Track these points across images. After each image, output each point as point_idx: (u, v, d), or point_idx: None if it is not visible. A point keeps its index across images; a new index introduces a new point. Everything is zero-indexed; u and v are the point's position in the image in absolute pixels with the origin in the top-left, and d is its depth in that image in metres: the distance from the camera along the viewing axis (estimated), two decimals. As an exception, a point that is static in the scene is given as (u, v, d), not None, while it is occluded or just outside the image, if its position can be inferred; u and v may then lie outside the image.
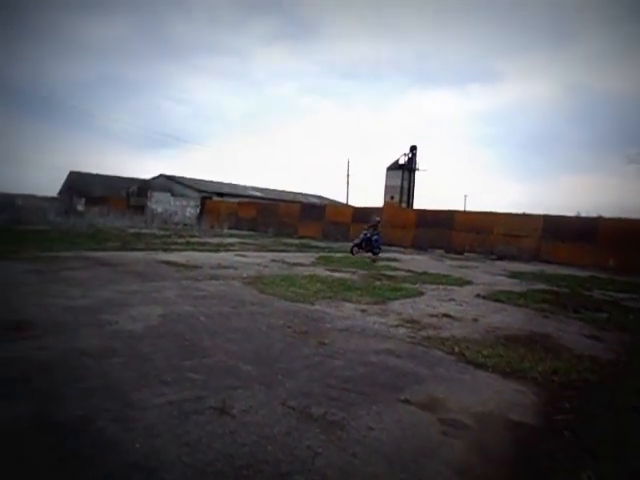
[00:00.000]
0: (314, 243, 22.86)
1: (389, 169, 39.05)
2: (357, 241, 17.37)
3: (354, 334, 5.45)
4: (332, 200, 52.92)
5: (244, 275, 9.52)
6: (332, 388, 3.71)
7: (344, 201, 51.30)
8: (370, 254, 17.01)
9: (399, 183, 37.53)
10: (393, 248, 22.26)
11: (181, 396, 3.34)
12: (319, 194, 57.57)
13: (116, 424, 2.87)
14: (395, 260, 16.09)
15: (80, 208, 36.14)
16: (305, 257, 14.85)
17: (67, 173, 51.26)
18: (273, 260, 13.07)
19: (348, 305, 7.12)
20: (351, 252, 16.84)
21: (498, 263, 18.32)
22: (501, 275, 13.59)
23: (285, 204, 34.99)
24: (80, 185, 47.72)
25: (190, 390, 3.46)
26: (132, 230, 22.28)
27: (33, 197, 35.22)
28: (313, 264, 12.85)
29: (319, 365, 4.26)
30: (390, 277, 10.81)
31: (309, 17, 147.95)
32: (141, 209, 36.83)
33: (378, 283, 9.60)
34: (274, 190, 51.01)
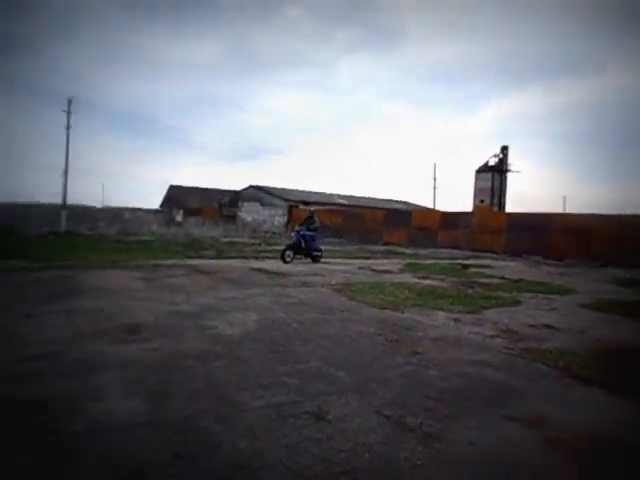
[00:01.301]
0: (400, 250, 22.54)
1: (478, 171, 37.49)
2: (290, 242, 14.01)
3: (448, 344, 5.27)
4: (418, 206, 51.90)
5: (332, 282, 9.63)
6: (427, 399, 3.62)
7: (431, 206, 50.08)
8: (309, 259, 13.89)
9: (489, 185, 35.87)
10: (485, 254, 21.28)
11: (278, 400, 3.45)
12: (404, 200, 56.78)
13: (220, 424, 3.03)
14: (487, 267, 15.30)
15: (179, 219, 38.97)
16: (392, 264, 14.68)
17: (167, 187, 55.51)
18: (360, 267, 13.09)
19: (440, 313, 6.91)
20: (282, 259, 13.08)
21: (604, 270, 16.73)
22: (608, 283, 12.39)
23: (370, 210, 34.95)
24: (178, 197, 51.48)
25: (286, 394, 3.56)
26: (225, 239, 23.55)
27: (139, 210, 38.52)
28: (401, 271, 12.66)
29: (413, 375, 4.18)
30: (483, 285, 10.34)
31: (389, 23, 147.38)
32: (232, 219, 38.85)
33: (470, 291, 9.22)
34: (359, 197, 51.17)
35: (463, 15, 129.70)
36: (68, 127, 26.64)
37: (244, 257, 14.30)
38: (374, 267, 13.27)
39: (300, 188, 47.93)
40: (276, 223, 37.76)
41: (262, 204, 40.57)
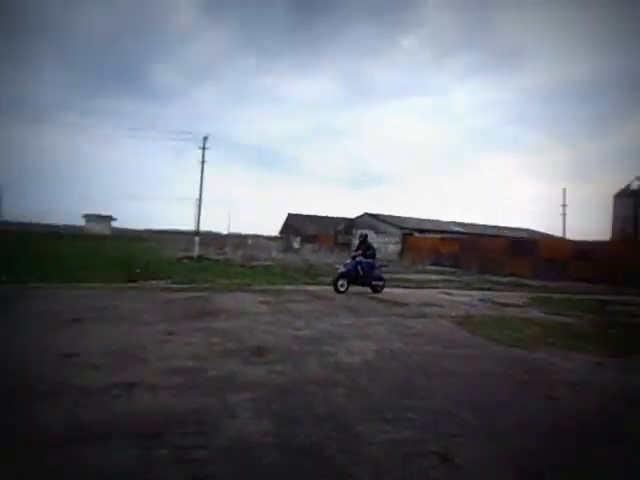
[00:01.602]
0: (524, 282, 20.89)
1: (617, 197, 33.59)
2: (343, 269, 12.39)
3: (587, 392, 4.73)
4: (543, 234, 47.97)
5: (452, 314, 9.25)
6: (569, 454, 3.27)
7: (559, 234, 45.96)
8: (368, 289, 12.27)
9: (631, 213, 31.88)
10: (630, 290, 18.81)
11: (402, 436, 3.37)
12: (527, 227, 52.92)
13: (345, 455, 3.04)
14: (632, 304, 13.48)
15: (296, 245, 40.73)
16: (516, 297, 13.67)
17: (286, 214, 58.48)
18: (481, 300, 12.40)
19: (577, 356, 6.24)
20: (335, 288, 11.80)
21: None
22: None
23: (489, 239, 33.14)
24: (296, 225, 53.92)
25: (411, 431, 3.47)
26: (338, 266, 23.96)
27: (260, 237, 41.07)
28: (527, 305, 11.73)
29: (550, 424, 3.81)
30: (629, 325, 9.13)
31: (506, 45, 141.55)
32: (347, 246, 39.50)
33: (612, 331, 8.21)
34: (476, 225, 48.87)
35: (588, 29, 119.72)
36: (203, 161, 29.54)
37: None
38: (496, 299, 12.48)
39: (415, 216, 47.32)
40: (390, 251, 37.53)
41: (376, 232, 40.73)
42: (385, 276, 18.38)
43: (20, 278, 11.00)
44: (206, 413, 3.57)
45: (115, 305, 8.10)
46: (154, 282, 11.97)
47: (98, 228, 59.07)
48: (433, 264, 30.27)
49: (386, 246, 38.32)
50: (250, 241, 40.38)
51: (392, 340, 6.55)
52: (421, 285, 15.54)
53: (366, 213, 46.93)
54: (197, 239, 26.23)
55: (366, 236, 13.44)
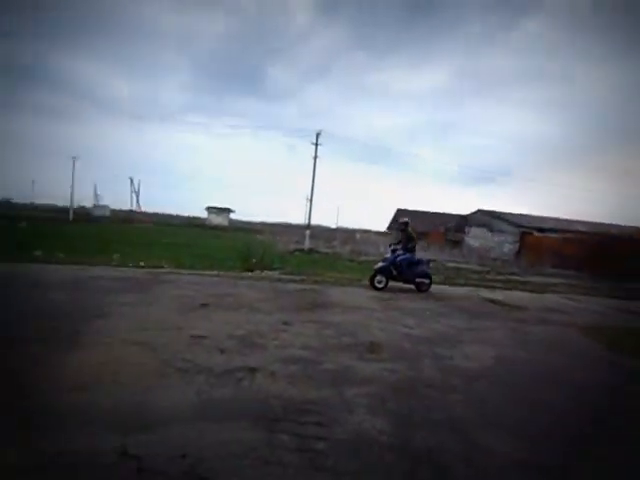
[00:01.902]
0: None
1: None
2: (381, 264, 11.15)
3: None
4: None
5: (579, 322, 8.41)
6: None
7: None
8: (412, 286, 10.88)
9: None
10: None
11: (528, 455, 3.14)
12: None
13: (465, 466, 2.91)
14: None
15: (404, 242, 40.00)
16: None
17: (394, 210, 57.80)
18: (617, 309, 11.10)
19: None
20: (372, 284, 10.78)
21: None
22: None
23: (628, 240, 29.49)
24: (404, 221, 53.02)
25: (537, 452, 3.21)
26: (450, 264, 23.07)
27: (369, 232, 41.10)
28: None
29: None
30: None
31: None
32: (458, 244, 37.95)
33: None
34: (607, 224, 43.83)
35: None
36: (315, 157, 30.34)
37: (473, 285, 13.73)
38: (636, 309, 11.08)
39: (536, 214, 43.84)
40: (506, 250, 35.26)
41: (490, 230, 38.52)
42: (500, 277, 17.35)
43: (156, 264, 12.28)
44: (323, 405, 3.66)
45: (235, 292, 8.66)
46: (269, 272, 12.58)
47: (218, 220, 63.72)
48: (555, 266, 27.81)
49: (501, 245, 36.09)
50: (358, 236, 40.63)
51: (511, 347, 6.14)
52: (541, 289, 14.35)
53: (480, 210, 44.59)
54: (308, 232, 27.08)
55: (407, 224, 11.43)
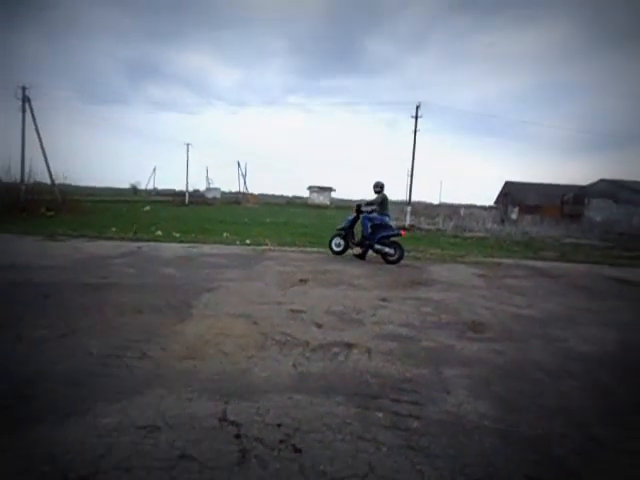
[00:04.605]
0: None
1: None
2: (340, 226, 10.42)
3: None
4: None
5: None
6: None
7: None
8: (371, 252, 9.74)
9: None
10: None
11: (662, 451, 2.73)
12: None
13: (579, 458, 2.61)
14: None
15: (513, 216, 37.45)
16: None
17: (503, 183, 54.19)
18: None
19: None
20: (330, 249, 10.40)
21: None
22: None
23: None
24: (514, 194, 49.53)
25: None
26: (567, 240, 21.09)
27: (474, 206, 39.06)
28: None
29: None
30: None
31: None
32: (577, 217, 34.55)
33: None
34: None
35: None
36: (415, 130, 29.26)
37: (596, 262, 12.39)
38: None
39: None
40: (635, 224, 31.35)
41: (616, 201, 34.45)
42: (628, 254, 15.45)
43: (260, 242, 12.85)
44: (420, 384, 3.52)
45: (335, 269, 8.73)
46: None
47: (320, 199, 64.85)
48: (699, 242, 24.07)
49: (630, 218, 32.13)
50: (462, 211, 38.79)
51: (639, 331, 5.42)
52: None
53: (602, 179, 40.05)
54: (408, 209, 26.41)
55: (381, 186, 10.13)
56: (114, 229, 14.14)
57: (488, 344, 4.59)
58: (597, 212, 34.82)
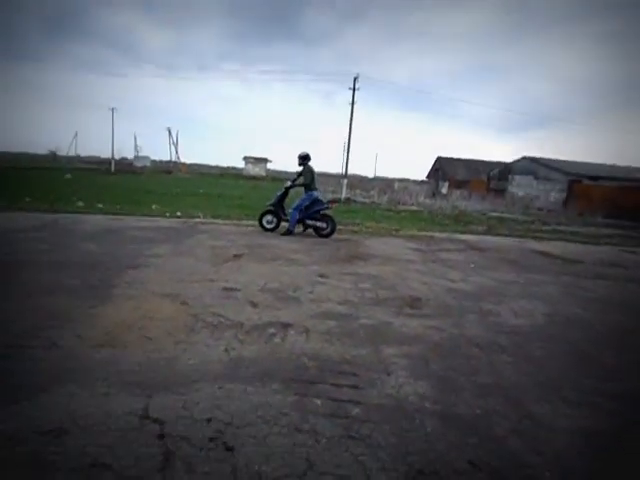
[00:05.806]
0: None
1: None
2: (270, 202, 10.14)
3: None
4: None
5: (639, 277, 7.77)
6: None
7: None
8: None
9: None
10: None
11: (592, 423, 2.79)
12: None
13: (518, 438, 2.60)
14: None
15: (444, 191, 38.82)
16: None
17: (434, 158, 55.81)
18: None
19: None
20: (260, 224, 10.02)
21: None
22: None
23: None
24: (445, 169, 51.20)
25: (603, 421, 2.86)
26: (493, 214, 22.13)
27: (407, 180, 39.98)
28: None
29: None
30: None
31: None
32: (501, 193, 36.40)
33: None
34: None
35: None
36: (352, 102, 29.06)
37: (519, 236, 13.01)
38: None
39: (587, 161, 41.22)
40: (552, 200, 33.54)
41: (536, 178, 36.59)
42: (546, 228, 16.45)
43: (192, 214, 12.22)
44: (360, 365, 3.39)
45: (271, 243, 8.44)
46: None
47: (255, 170, 63.45)
48: (607, 217, 26.24)
49: (547, 194, 34.34)
50: (397, 185, 39.59)
51: (566, 304, 5.66)
52: (594, 240, 13.47)
53: (525, 157, 42.33)
54: (345, 182, 26.43)
55: (306, 157, 9.79)
56: (28, 199, 12.86)
57: (425, 320, 4.57)
58: (519, 188, 36.85)
